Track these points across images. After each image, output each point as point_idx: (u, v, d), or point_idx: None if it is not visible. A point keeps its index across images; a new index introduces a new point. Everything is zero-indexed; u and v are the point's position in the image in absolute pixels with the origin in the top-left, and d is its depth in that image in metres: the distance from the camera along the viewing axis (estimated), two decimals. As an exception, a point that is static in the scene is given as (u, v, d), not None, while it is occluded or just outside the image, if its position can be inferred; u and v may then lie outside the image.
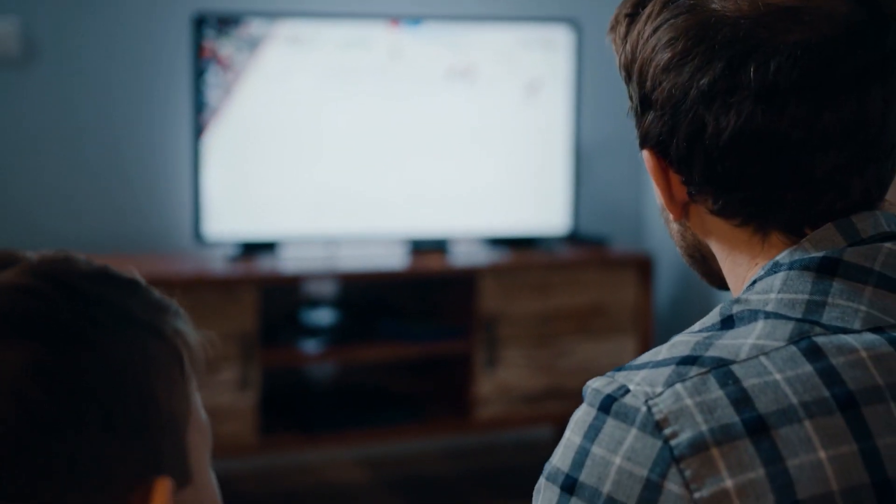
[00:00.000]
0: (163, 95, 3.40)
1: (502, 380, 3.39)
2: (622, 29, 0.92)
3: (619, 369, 0.84)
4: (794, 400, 0.77)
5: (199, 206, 3.25)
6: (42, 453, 0.63)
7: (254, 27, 3.25)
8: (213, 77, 3.22)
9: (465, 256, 3.45)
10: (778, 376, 0.78)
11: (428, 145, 3.44)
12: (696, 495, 0.76)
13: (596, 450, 0.80)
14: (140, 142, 3.41)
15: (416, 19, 3.42)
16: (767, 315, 0.83)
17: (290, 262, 3.29)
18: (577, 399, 0.85)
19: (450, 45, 3.43)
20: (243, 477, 3.41)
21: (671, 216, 0.93)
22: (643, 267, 3.50)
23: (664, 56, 0.87)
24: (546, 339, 3.43)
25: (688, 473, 0.76)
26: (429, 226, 3.45)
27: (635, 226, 3.96)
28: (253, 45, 3.26)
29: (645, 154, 0.91)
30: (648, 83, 0.88)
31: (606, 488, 0.79)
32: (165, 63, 3.39)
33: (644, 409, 0.79)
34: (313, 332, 3.32)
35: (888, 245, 0.85)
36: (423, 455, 3.74)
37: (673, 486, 0.77)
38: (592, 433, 0.81)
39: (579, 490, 0.80)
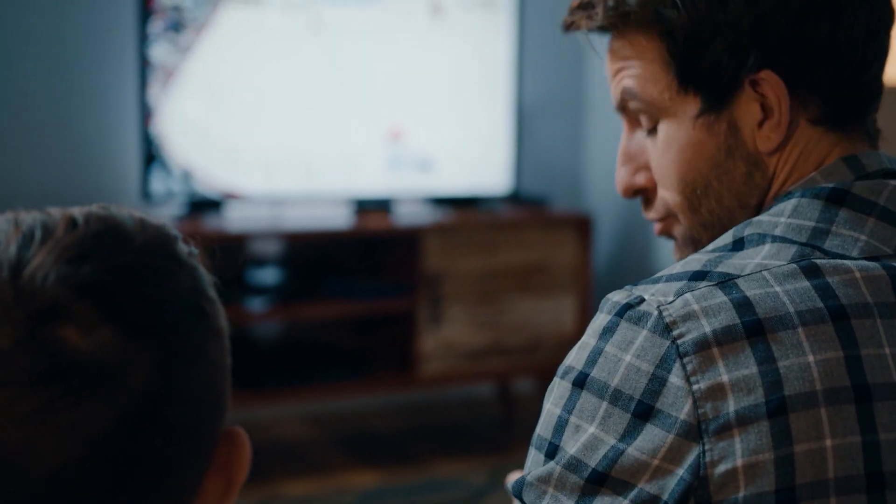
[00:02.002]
0: (109, 50, 3.40)
1: (446, 337, 3.46)
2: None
3: (637, 284, 0.90)
4: (791, 309, 0.84)
5: (146, 164, 3.27)
6: (154, 446, 0.64)
7: (199, -12, 3.26)
8: (160, 32, 3.23)
9: (408, 216, 3.50)
10: (778, 288, 0.85)
11: (372, 106, 3.48)
12: (695, 387, 0.83)
13: (609, 349, 0.87)
14: (86, 98, 3.41)
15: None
16: (774, 238, 0.90)
17: (236, 220, 3.32)
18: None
19: (392, 7, 3.46)
20: (190, 433, 3.44)
21: (765, 148, 0.96)
22: (582, 226, 3.58)
23: None
24: (488, 296, 3.50)
25: (689, 367, 0.83)
26: (373, 186, 3.50)
27: (574, 186, 4.02)
28: (206, 4, 3.27)
29: (766, 77, 0.94)
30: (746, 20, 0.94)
31: (615, 382, 0.86)
32: (112, 17, 3.39)
33: (656, 313, 0.86)
34: (259, 290, 3.35)
35: (894, 182, 0.92)
36: (368, 411, 3.80)
37: (675, 378, 0.83)
38: (607, 335, 0.87)
39: (589, 384, 0.87)
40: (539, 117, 3.90)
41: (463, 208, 3.58)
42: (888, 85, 1.02)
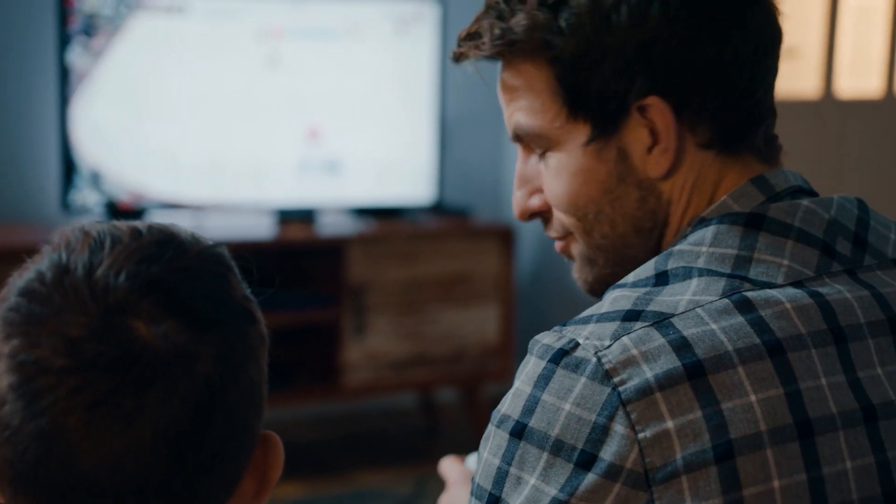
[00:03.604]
0: (29, 59, 3.36)
1: (370, 347, 3.46)
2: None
3: (565, 324, 0.89)
4: (730, 347, 0.84)
5: (66, 174, 3.23)
6: (217, 433, 0.68)
7: (119, -4, 3.23)
8: (80, 42, 3.20)
9: (332, 226, 3.49)
10: (714, 326, 0.85)
11: (296, 116, 3.47)
12: (640, 435, 0.82)
13: (546, 397, 0.85)
14: (4, 108, 3.36)
15: (283, -9, 3.44)
16: (701, 272, 0.90)
17: (150, 222, 3.28)
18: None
19: (320, 17, 3.46)
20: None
21: (653, 174, 0.96)
22: (505, 237, 3.60)
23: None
24: (412, 306, 3.51)
25: (634, 416, 0.82)
26: (296, 196, 3.49)
27: (496, 197, 4.05)
28: (122, 10, 3.24)
29: (653, 104, 0.95)
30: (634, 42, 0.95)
31: (555, 432, 0.84)
32: (31, 27, 3.35)
33: (594, 359, 0.84)
34: (181, 301, 3.32)
35: (805, 202, 0.93)
36: (292, 422, 3.78)
37: (619, 427, 0.82)
38: (543, 382, 0.86)
39: (528, 435, 0.86)
40: (461, 129, 3.92)
41: (386, 219, 3.59)
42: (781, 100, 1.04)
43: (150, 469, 0.66)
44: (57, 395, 0.64)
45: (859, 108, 3.81)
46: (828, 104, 3.71)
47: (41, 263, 0.70)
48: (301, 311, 3.39)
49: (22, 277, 0.70)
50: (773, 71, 0.98)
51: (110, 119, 3.26)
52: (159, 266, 0.70)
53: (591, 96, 0.95)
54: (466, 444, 2.39)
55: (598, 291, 1.02)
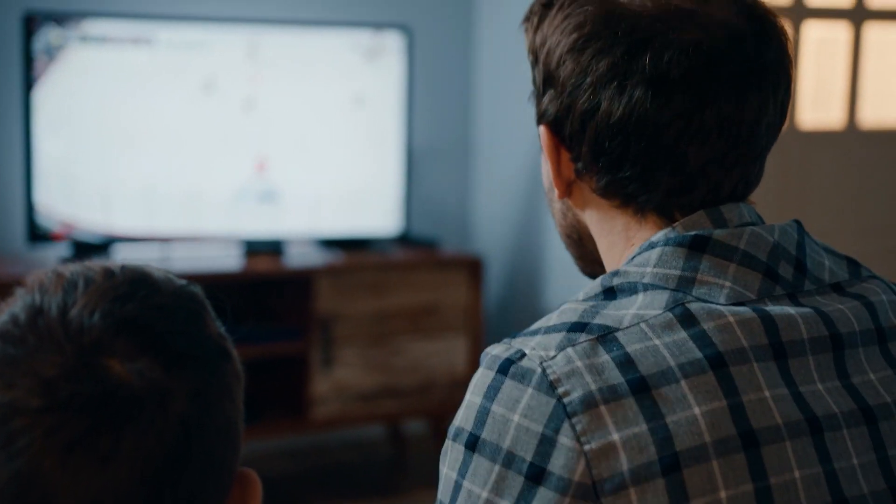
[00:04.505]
0: (-9, 96, 3.35)
1: (338, 379, 3.45)
2: (535, 19, 1.01)
3: (515, 336, 0.91)
4: (672, 362, 0.86)
5: (32, 207, 3.21)
6: (191, 472, 0.68)
7: (85, 26, 3.23)
8: (43, 76, 3.19)
9: (299, 257, 3.49)
10: (657, 342, 0.87)
11: (262, 147, 3.47)
12: (587, 447, 0.83)
13: (496, 408, 0.87)
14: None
15: (259, 21, 3.45)
16: (646, 287, 0.91)
17: (123, 262, 3.27)
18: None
19: (286, 49, 3.47)
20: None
21: (556, 194, 1.01)
22: (473, 268, 3.61)
23: (570, 39, 0.96)
24: (380, 338, 3.50)
25: (579, 428, 0.83)
26: (263, 227, 3.49)
27: (463, 229, 4.06)
28: (81, 44, 3.24)
29: (541, 130, 0.99)
30: (553, 63, 0.97)
31: (507, 444, 0.85)
32: (-6, 64, 3.34)
33: (539, 370, 0.86)
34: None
35: (751, 227, 0.94)
36: (260, 455, 3.76)
37: (565, 439, 0.83)
38: (492, 393, 0.87)
39: (481, 447, 0.87)
40: (428, 160, 3.93)
41: (353, 250, 3.59)
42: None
43: None
44: (32, 436, 0.64)
45: (821, 140, 3.85)
46: (790, 136, 3.75)
47: (15, 306, 0.70)
48: (269, 344, 3.38)
49: None
50: (704, 137, 0.94)
51: (74, 154, 3.25)
52: (133, 304, 0.70)
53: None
54: (435, 476, 2.39)
55: (587, 273, 1.09)
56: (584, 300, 0.93)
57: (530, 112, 1.04)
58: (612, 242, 1.00)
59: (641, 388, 0.85)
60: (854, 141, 3.87)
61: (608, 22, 0.94)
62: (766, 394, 0.87)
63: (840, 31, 3.82)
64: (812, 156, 3.79)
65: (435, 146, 3.94)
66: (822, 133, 3.87)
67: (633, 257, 0.95)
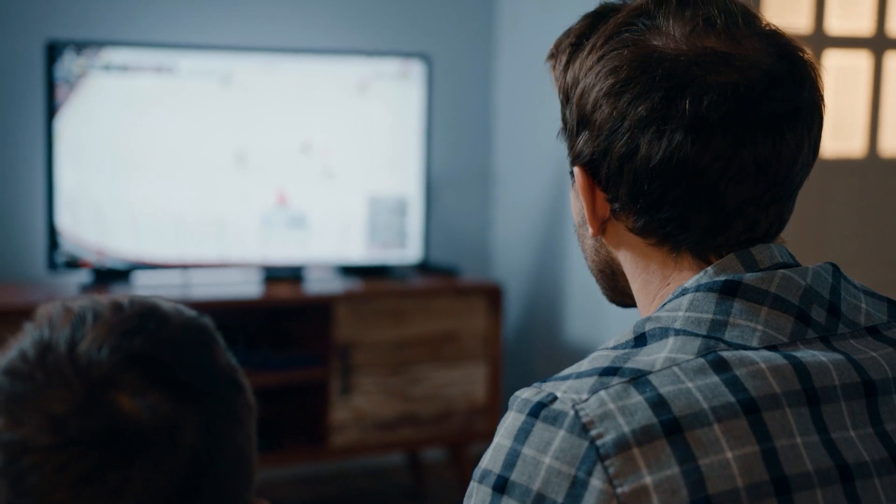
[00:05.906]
0: (15, 124, 3.37)
1: (357, 407, 3.45)
2: (564, 57, 1.01)
3: (545, 381, 0.91)
4: (705, 405, 0.86)
5: (53, 234, 3.23)
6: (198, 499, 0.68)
7: (107, 55, 3.26)
8: (64, 104, 3.22)
9: (319, 284, 3.50)
10: (689, 384, 0.87)
11: (283, 174, 3.48)
12: (619, 490, 0.83)
13: (526, 451, 0.87)
14: (-10, 170, 3.37)
15: (281, 51, 3.47)
16: (677, 332, 0.91)
17: (143, 289, 3.29)
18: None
19: (307, 77, 3.48)
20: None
21: (589, 231, 1.02)
22: (492, 296, 3.61)
23: (607, 82, 0.95)
24: (400, 366, 3.50)
25: (611, 470, 0.83)
26: (283, 254, 3.50)
27: (482, 256, 4.06)
28: (103, 72, 3.26)
29: (576, 171, 0.99)
30: (588, 106, 0.97)
31: (537, 486, 0.85)
32: (18, 92, 3.36)
33: (572, 412, 0.86)
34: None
35: (782, 271, 0.94)
36: (279, 483, 3.76)
37: (597, 482, 0.83)
38: (522, 436, 0.87)
39: (510, 489, 0.86)
40: (448, 188, 3.94)
41: (373, 278, 3.59)
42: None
43: None
44: (43, 473, 0.64)
45: (842, 168, 3.84)
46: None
47: (23, 342, 0.70)
48: (288, 371, 3.38)
49: (5, 357, 0.70)
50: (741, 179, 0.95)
51: (95, 182, 3.27)
52: (142, 338, 0.70)
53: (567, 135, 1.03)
54: (454, 505, 2.38)
55: (615, 302, 1.10)
56: (614, 347, 0.93)
57: (550, 140, 1.04)
58: (647, 281, 1.00)
59: (674, 429, 0.84)
60: (875, 169, 3.86)
61: (645, 66, 0.94)
62: (798, 440, 0.87)
63: (861, 60, 3.81)
64: (833, 184, 3.78)
65: (455, 174, 3.95)
66: (842, 161, 3.86)
67: (665, 304, 0.95)
